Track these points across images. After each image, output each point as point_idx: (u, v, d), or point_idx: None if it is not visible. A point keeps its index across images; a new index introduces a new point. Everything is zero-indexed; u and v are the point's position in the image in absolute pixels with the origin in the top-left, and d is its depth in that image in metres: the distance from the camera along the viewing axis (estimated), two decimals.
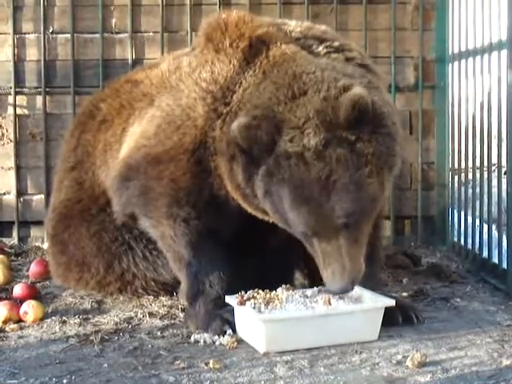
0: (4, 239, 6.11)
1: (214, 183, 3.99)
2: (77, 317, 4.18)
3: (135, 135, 4.28)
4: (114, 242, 4.46)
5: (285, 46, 4.01)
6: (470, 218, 5.48)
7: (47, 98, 6.13)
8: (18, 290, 4.50)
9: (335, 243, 3.63)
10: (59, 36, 6.16)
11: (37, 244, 6.04)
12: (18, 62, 6.15)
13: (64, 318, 4.16)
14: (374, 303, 3.79)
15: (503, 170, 4.94)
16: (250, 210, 3.92)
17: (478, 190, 5.28)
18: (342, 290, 3.67)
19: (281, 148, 3.62)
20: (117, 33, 6.17)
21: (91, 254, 4.51)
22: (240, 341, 3.74)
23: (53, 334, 3.95)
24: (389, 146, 3.72)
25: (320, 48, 4.07)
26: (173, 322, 4.10)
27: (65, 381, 3.30)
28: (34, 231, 6.17)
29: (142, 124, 4.27)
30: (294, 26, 4.23)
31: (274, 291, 3.87)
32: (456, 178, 5.83)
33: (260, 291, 3.86)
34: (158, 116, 4.18)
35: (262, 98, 3.80)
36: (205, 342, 3.76)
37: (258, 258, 4.23)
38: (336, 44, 4.11)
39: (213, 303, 3.96)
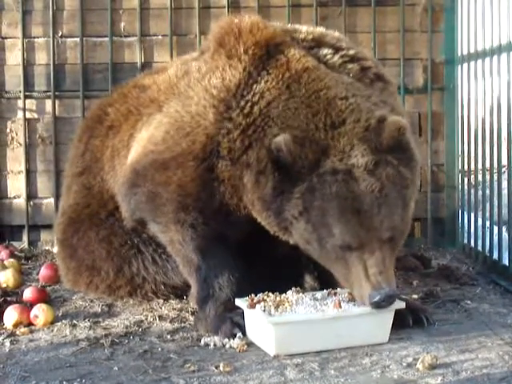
0: (14, 243, 6.12)
1: (226, 192, 3.98)
2: (87, 320, 4.18)
3: (143, 141, 4.27)
4: (124, 246, 4.47)
5: (304, 60, 4.00)
6: (480, 220, 5.47)
7: (56, 101, 6.14)
8: (28, 293, 4.51)
9: (379, 255, 3.66)
10: (68, 40, 6.17)
11: (47, 248, 6.05)
12: (28, 65, 6.16)
13: (74, 321, 4.17)
14: None
15: None
16: (264, 223, 3.91)
17: (487, 191, 5.27)
18: (389, 298, 3.65)
19: (327, 167, 3.67)
20: (126, 36, 6.18)
21: (101, 258, 4.51)
22: (250, 344, 3.74)
23: (63, 337, 3.96)
24: (418, 174, 3.96)
25: (335, 58, 4.09)
26: (183, 325, 4.10)
27: None
28: (44, 235, 6.17)
29: (150, 130, 4.26)
30: (306, 33, 4.22)
31: (283, 294, 3.87)
32: (466, 179, 5.82)
33: (270, 294, 3.86)
34: (166, 122, 4.17)
35: (296, 119, 3.81)
36: (215, 345, 3.76)
37: (268, 260, 4.23)
38: (351, 53, 4.14)
39: (223, 306, 3.96)
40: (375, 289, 3.61)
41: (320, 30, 4.33)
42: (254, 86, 3.95)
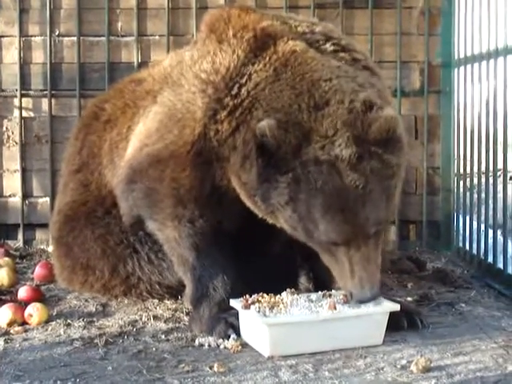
0: (9, 242, 6.11)
1: (216, 174, 3.96)
2: (81, 320, 4.18)
3: (140, 135, 4.28)
4: (119, 245, 4.46)
5: (292, 43, 3.98)
6: (475, 223, 5.48)
7: (53, 100, 6.14)
8: (22, 292, 4.50)
9: (365, 251, 3.66)
10: (65, 39, 6.17)
11: (42, 247, 6.05)
12: (24, 64, 6.15)
13: (68, 320, 4.16)
14: (378, 308, 3.78)
15: (509, 175, 4.95)
16: (251, 207, 3.88)
17: (483, 195, 5.27)
18: (373, 296, 3.68)
19: (310, 154, 3.62)
20: (123, 36, 6.18)
21: (96, 257, 4.51)
22: (244, 344, 3.74)
23: (57, 336, 3.95)
24: (404, 155, 3.83)
25: (327, 45, 4.06)
26: (177, 325, 4.10)
27: (69, 383, 3.31)
28: (39, 234, 6.17)
29: (146, 123, 4.27)
30: (300, 20, 4.24)
31: (278, 295, 3.86)
32: (461, 182, 5.83)
33: (265, 295, 3.85)
34: (160, 112, 4.17)
35: (280, 101, 3.77)
36: (209, 345, 3.76)
37: (263, 261, 4.23)
38: (343, 43, 4.12)
39: (217, 307, 3.96)
40: (359, 289, 3.65)
41: (313, 19, 4.36)
42: (242, 69, 3.95)
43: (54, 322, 4.14)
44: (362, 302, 3.69)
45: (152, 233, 4.26)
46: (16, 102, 6.14)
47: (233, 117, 3.88)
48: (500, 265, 4.90)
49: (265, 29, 4.05)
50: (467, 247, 5.58)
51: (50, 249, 5.74)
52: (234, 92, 3.90)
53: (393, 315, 3.79)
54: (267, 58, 3.94)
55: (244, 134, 3.81)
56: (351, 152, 3.60)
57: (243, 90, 3.88)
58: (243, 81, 3.91)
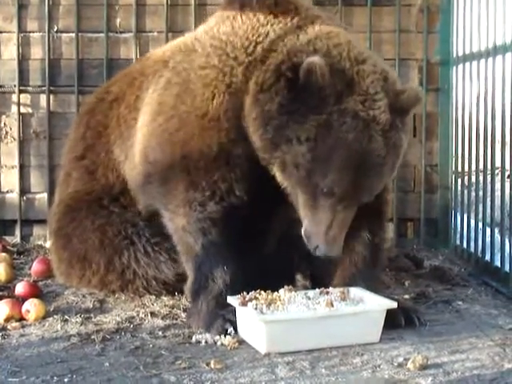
0: (7, 237, 6.10)
1: (222, 134, 3.99)
2: (78, 316, 4.18)
3: (152, 104, 4.29)
4: (117, 236, 4.46)
5: (313, 10, 4.21)
6: (472, 221, 5.48)
7: (51, 96, 6.13)
8: (20, 288, 4.50)
9: (348, 213, 3.78)
10: (64, 35, 6.16)
11: (39, 242, 6.04)
12: (23, 60, 6.14)
13: (66, 316, 4.16)
14: (375, 305, 3.79)
15: (507, 173, 4.94)
16: (259, 144, 3.89)
17: (481, 193, 5.27)
18: (337, 254, 3.81)
19: (350, 105, 3.70)
20: (121, 32, 6.17)
21: (93, 248, 4.50)
22: (241, 341, 3.74)
23: (54, 332, 3.95)
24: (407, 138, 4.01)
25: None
26: (174, 322, 4.10)
27: (66, 379, 3.31)
28: (37, 230, 6.16)
29: (158, 90, 4.29)
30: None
31: (275, 292, 3.87)
32: (459, 180, 5.83)
33: (262, 292, 3.86)
34: (174, 83, 4.22)
35: (311, 46, 3.86)
36: (206, 342, 3.76)
37: (261, 259, 4.23)
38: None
39: (215, 301, 3.96)
40: (329, 245, 3.76)
41: None
42: (260, 29, 4.08)
43: (51, 318, 4.14)
44: (326, 256, 3.79)
45: (165, 224, 4.24)
46: (14, 97, 6.13)
47: (247, 70, 3.98)
48: (497, 263, 4.91)
49: None
50: (465, 245, 5.59)
51: (48, 244, 5.73)
52: (249, 50, 4.02)
53: (390, 313, 3.79)
54: (289, 19, 4.07)
55: (256, 78, 3.89)
56: (386, 118, 3.73)
57: (258, 48, 4.01)
58: (260, 39, 4.03)
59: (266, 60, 3.94)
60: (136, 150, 4.35)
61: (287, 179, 3.86)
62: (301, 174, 3.77)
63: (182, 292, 4.42)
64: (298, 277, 4.43)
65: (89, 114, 4.85)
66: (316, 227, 3.78)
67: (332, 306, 3.72)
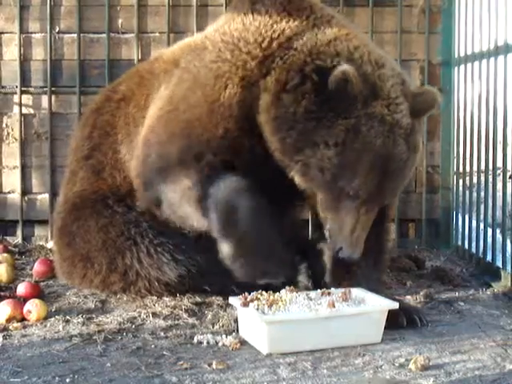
0: (8, 238, 6.11)
1: (233, 115, 4.03)
2: (80, 316, 4.18)
3: (162, 98, 4.32)
4: (120, 237, 4.45)
5: (328, 9, 4.27)
6: (474, 222, 5.48)
7: (53, 97, 6.13)
8: (21, 288, 4.50)
9: (371, 216, 3.86)
10: (65, 36, 6.16)
11: (41, 243, 6.04)
12: (24, 61, 6.15)
13: (67, 317, 4.16)
14: (377, 306, 3.79)
15: (508, 173, 4.95)
16: (276, 145, 3.91)
17: (482, 193, 5.27)
18: (357, 257, 3.87)
19: (377, 109, 3.75)
20: (123, 33, 6.18)
21: (96, 248, 4.50)
22: (243, 342, 3.74)
23: (56, 333, 3.95)
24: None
25: None
26: (176, 322, 4.10)
27: (68, 380, 3.31)
28: (38, 230, 6.17)
29: (169, 87, 4.32)
30: None
31: (277, 293, 3.87)
32: (461, 181, 5.83)
33: (264, 293, 3.86)
34: (185, 79, 4.26)
35: (338, 48, 3.90)
36: (208, 342, 3.76)
37: None
38: None
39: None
40: (351, 247, 3.83)
41: None
42: (275, 26, 4.12)
43: (52, 319, 4.13)
44: (349, 258, 3.85)
45: (167, 208, 4.23)
46: (16, 98, 6.14)
47: (263, 64, 4.01)
48: (499, 263, 4.90)
49: None
50: (466, 245, 5.59)
51: (49, 245, 5.75)
52: (264, 45, 4.06)
53: (391, 313, 3.79)
54: (304, 17, 4.12)
55: (278, 76, 3.92)
56: (408, 122, 3.79)
57: (274, 43, 4.05)
58: (275, 35, 4.07)
59: (285, 56, 3.97)
60: (139, 137, 4.36)
61: (309, 182, 3.89)
62: (326, 178, 3.81)
63: (183, 293, 4.43)
64: (300, 277, 4.42)
65: (95, 113, 4.85)
66: (340, 229, 3.85)
67: (334, 306, 3.71)
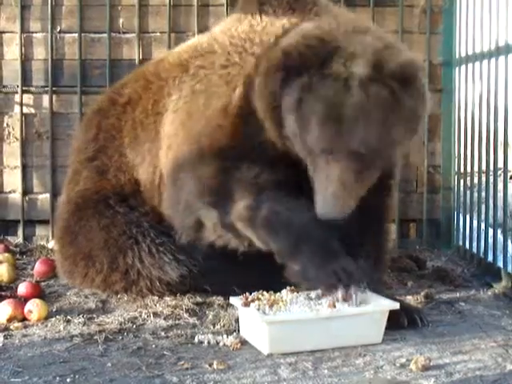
0: (9, 238, 6.11)
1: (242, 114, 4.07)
2: (81, 316, 4.18)
3: (179, 113, 4.33)
4: (122, 236, 4.46)
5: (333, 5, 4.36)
6: (475, 222, 5.48)
7: (54, 97, 6.13)
8: (22, 288, 4.50)
9: (343, 165, 3.70)
10: (67, 35, 6.16)
11: (42, 243, 6.03)
12: (25, 60, 6.14)
13: (68, 317, 4.16)
14: (378, 306, 3.79)
15: (509, 174, 4.94)
16: (269, 124, 3.95)
17: (483, 193, 5.27)
18: (333, 214, 3.69)
19: (332, 69, 3.73)
20: (124, 33, 6.17)
21: (98, 247, 4.50)
22: (244, 342, 3.75)
23: (57, 332, 3.95)
24: (423, 107, 3.91)
25: None
26: (177, 322, 4.10)
27: (68, 380, 3.31)
28: (39, 230, 6.17)
29: (183, 99, 4.34)
30: None
31: (278, 293, 3.87)
32: (462, 181, 5.83)
33: (264, 293, 3.86)
34: (199, 92, 4.28)
35: (315, 27, 3.94)
36: (209, 342, 3.76)
37: (263, 259, 4.22)
38: None
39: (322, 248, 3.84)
40: (321, 204, 3.70)
41: None
42: (278, 24, 4.18)
43: (53, 319, 4.13)
44: (326, 218, 3.69)
45: (215, 227, 4.16)
46: (17, 98, 6.13)
47: (259, 60, 4.07)
48: (500, 263, 4.90)
49: None
50: (467, 246, 5.58)
51: (50, 245, 5.75)
52: (264, 44, 4.14)
53: (392, 313, 3.79)
54: (309, 14, 4.20)
55: (266, 62, 3.96)
56: (366, 73, 3.70)
57: (272, 40, 4.12)
58: (279, 33, 4.13)
59: (275, 46, 4.02)
60: (162, 155, 4.38)
61: (300, 154, 3.90)
62: (298, 143, 3.82)
63: (184, 293, 4.43)
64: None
65: (100, 115, 4.84)
66: (316, 191, 3.77)
67: (334, 306, 3.71)
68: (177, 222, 4.34)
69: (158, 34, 6.16)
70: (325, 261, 3.74)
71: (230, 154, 4.04)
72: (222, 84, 4.14)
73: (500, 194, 4.99)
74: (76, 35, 6.12)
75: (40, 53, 6.16)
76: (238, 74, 4.13)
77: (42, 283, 4.86)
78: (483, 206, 5.30)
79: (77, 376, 3.35)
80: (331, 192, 3.68)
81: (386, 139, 3.76)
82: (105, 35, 6.12)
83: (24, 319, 4.13)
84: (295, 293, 3.88)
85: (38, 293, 4.49)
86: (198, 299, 4.41)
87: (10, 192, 6.20)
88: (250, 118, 4.02)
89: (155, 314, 4.20)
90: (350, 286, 3.69)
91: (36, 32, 6.16)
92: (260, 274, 4.10)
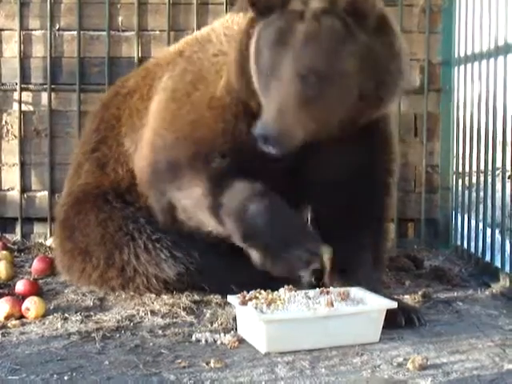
0: (7, 235, 6.10)
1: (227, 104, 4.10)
2: (78, 314, 4.18)
3: (166, 90, 4.37)
4: (118, 232, 4.46)
5: None
6: (473, 222, 5.47)
7: (52, 94, 6.13)
8: (20, 286, 4.50)
9: (289, 88, 3.76)
10: (65, 33, 6.16)
11: (40, 240, 6.03)
12: (24, 58, 6.14)
13: (66, 314, 4.16)
14: (375, 305, 3.79)
15: (507, 174, 4.94)
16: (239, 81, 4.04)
17: (481, 193, 5.27)
18: (269, 132, 3.72)
19: (288, 7, 3.87)
20: (123, 31, 6.17)
21: (95, 242, 4.50)
22: (241, 340, 3.74)
23: (54, 330, 3.95)
24: (387, 59, 3.91)
25: None
26: (174, 320, 4.10)
27: (66, 377, 3.31)
28: (38, 228, 6.17)
29: (173, 77, 4.40)
30: None
31: (276, 292, 3.87)
32: (460, 181, 5.83)
33: (262, 291, 3.85)
34: (189, 71, 4.33)
35: None
36: (206, 341, 3.76)
37: None
38: None
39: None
40: (259, 122, 3.75)
41: None
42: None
43: (51, 316, 4.13)
44: (258, 137, 3.73)
45: (182, 212, 4.24)
46: (16, 95, 6.13)
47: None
48: (498, 263, 4.90)
49: None
50: (465, 245, 5.59)
51: (48, 242, 5.76)
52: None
53: (390, 313, 3.79)
54: None
55: None
56: (320, 5, 3.83)
57: None
58: None
59: None
60: (146, 136, 4.37)
61: (260, 95, 3.98)
62: (256, 80, 3.93)
63: (182, 291, 4.43)
64: (303, 273, 4.41)
65: (103, 108, 4.90)
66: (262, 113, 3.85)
67: (332, 305, 3.71)
68: (155, 205, 4.38)
69: (158, 32, 6.16)
70: (285, 244, 3.85)
71: (205, 144, 4.07)
72: (213, 72, 4.22)
73: (498, 194, 4.99)
74: (75, 33, 6.12)
75: (39, 50, 6.16)
76: (225, 63, 4.19)
77: (40, 281, 4.86)
78: (481, 206, 5.30)
79: (74, 374, 3.35)
80: (271, 109, 3.75)
81: (335, 67, 3.80)
82: (104, 33, 6.12)
83: (21, 317, 4.13)
84: (293, 291, 3.88)
85: (36, 290, 4.49)
86: (196, 297, 4.41)
87: (8, 189, 6.20)
88: (231, 111, 4.09)
89: (153, 312, 4.20)
90: (311, 264, 3.80)
91: (35, 29, 6.16)
92: (258, 272, 4.10)
